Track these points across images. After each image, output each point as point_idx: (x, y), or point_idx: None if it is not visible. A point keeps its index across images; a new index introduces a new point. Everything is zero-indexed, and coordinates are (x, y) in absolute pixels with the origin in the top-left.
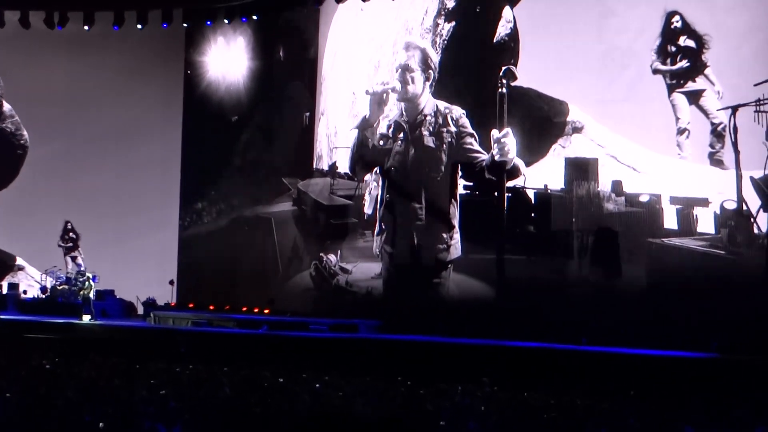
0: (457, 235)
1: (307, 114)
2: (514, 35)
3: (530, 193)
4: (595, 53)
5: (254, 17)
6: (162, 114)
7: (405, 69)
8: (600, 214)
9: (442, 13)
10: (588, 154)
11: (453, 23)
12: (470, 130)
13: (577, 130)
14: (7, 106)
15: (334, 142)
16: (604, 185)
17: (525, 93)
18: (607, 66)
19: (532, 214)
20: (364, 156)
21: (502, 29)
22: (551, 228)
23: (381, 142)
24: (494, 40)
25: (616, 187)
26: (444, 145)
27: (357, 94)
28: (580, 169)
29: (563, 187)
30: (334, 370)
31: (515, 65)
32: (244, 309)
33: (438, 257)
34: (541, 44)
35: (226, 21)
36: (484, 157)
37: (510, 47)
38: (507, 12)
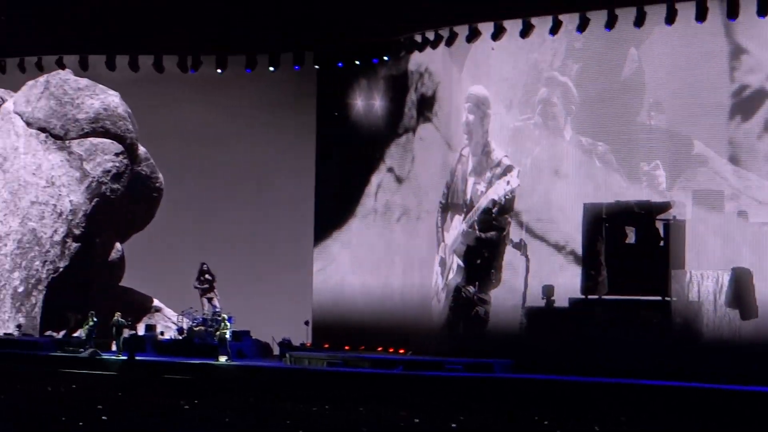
0: (604, 272)
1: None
2: (640, 73)
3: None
4: (724, 91)
5: (385, 58)
6: (294, 155)
7: (546, 103)
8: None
9: (571, 53)
10: (713, 187)
11: (580, 64)
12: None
13: (702, 164)
14: (142, 149)
15: (469, 179)
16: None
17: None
18: (738, 104)
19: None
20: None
21: (628, 68)
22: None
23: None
24: (621, 78)
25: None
26: None
27: (492, 133)
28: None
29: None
30: (470, 409)
31: (642, 101)
32: (380, 349)
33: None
34: (668, 81)
35: (357, 62)
36: None
37: (637, 84)
38: (633, 52)
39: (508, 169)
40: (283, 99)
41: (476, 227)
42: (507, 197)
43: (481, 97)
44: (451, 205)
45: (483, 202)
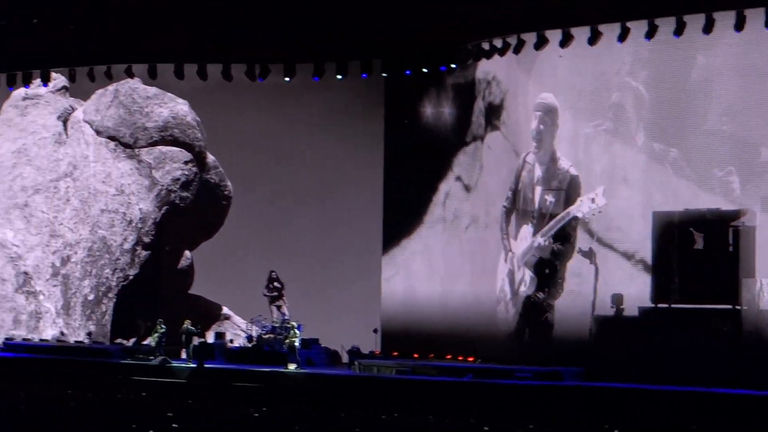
0: (675, 281)
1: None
2: (709, 80)
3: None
4: None
5: (453, 66)
6: (363, 163)
7: (618, 109)
8: None
9: (638, 60)
10: None
11: (648, 70)
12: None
13: None
14: (210, 158)
15: (536, 188)
16: None
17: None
18: None
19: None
20: None
21: (696, 75)
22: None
23: None
24: (690, 85)
25: None
26: None
27: (559, 141)
28: None
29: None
30: (540, 417)
31: (711, 107)
32: (449, 357)
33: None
34: (737, 88)
35: (424, 70)
36: None
37: (705, 91)
38: (701, 58)
39: (574, 184)
40: (350, 107)
41: (551, 240)
42: (593, 215)
43: (550, 106)
44: (516, 210)
45: (564, 218)
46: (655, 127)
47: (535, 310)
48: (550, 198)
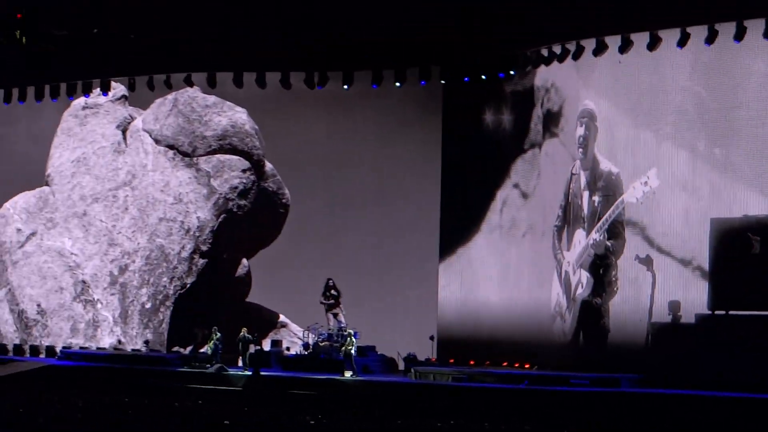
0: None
1: (575, 171)
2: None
3: None
4: None
5: (511, 73)
6: (420, 171)
7: (678, 114)
8: None
9: (698, 65)
10: None
11: (708, 75)
12: None
13: None
14: (268, 165)
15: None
16: None
17: None
18: None
19: None
20: None
21: (755, 81)
22: None
23: None
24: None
25: None
26: None
27: (616, 145)
28: None
29: None
30: (597, 424)
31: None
32: (505, 364)
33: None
34: None
35: (483, 77)
36: None
37: (763, 95)
38: (760, 63)
39: (616, 181)
40: (409, 114)
41: (605, 235)
42: (647, 197)
43: (592, 111)
44: (568, 223)
45: (619, 207)
46: (715, 132)
47: (591, 315)
48: (597, 198)
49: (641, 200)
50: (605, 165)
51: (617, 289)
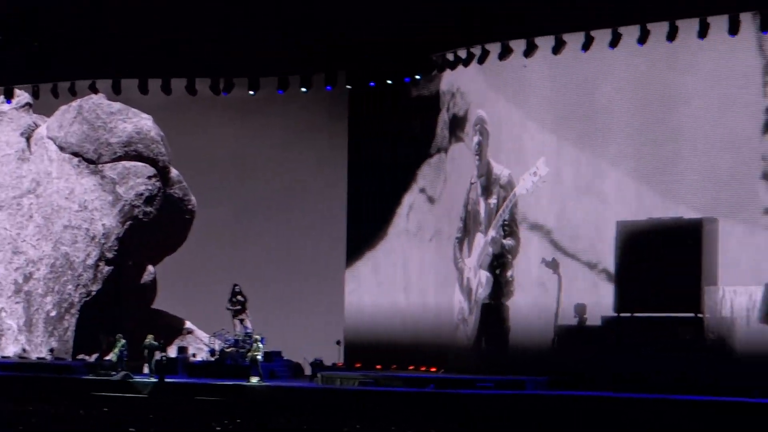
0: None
1: (473, 180)
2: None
3: None
4: (758, 106)
5: (417, 77)
6: (327, 176)
7: (584, 119)
8: None
9: (603, 70)
10: (746, 203)
11: (614, 80)
12: None
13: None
14: (174, 172)
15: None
16: None
17: None
18: None
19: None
20: None
21: (659, 83)
22: None
23: None
24: (659, 94)
25: None
26: None
27: (516, 149)
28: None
29: None
30: (503, 427)
31: (675, 116)
32: (411, 367)
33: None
34: (705, 96)
35: (389, 82)
36: None
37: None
38: (665, 67)
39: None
40: (315, 120)
41: (501, 232)
42: (537, 187)
43: (483, 117)
44: (468, 233)
45: (508, 203)
46: (620, 137)
47: (493, 316)
48: (492, 201)
49: (531, 190)
50: (497, 168)
51: (513, 289)
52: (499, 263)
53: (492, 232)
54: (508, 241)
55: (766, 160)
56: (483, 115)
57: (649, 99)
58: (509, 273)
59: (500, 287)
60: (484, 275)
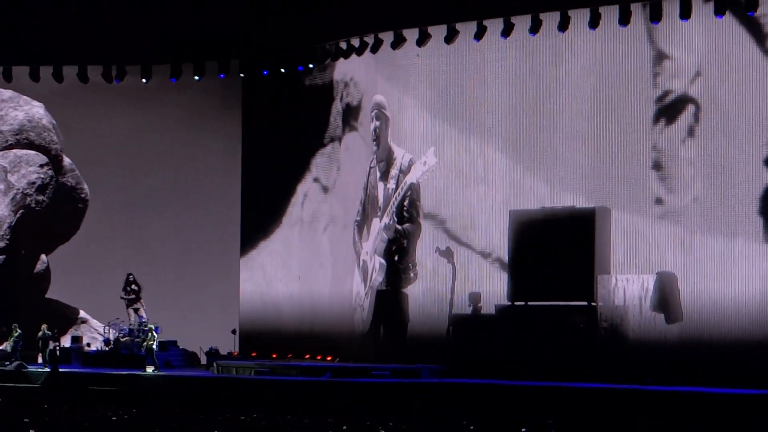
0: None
1: (372, 165)
2: (563, 78)
3: None
4: (648, 96)
5: (310, 66)
6: (221, 165)
7: (471, 108)
8: None
9: (496, 58)
10: (638, 192)
11: (504, 69)
12: None
13: (627, 169)
14: (67, 160)
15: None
16: None
17: None
18: (662, 110)
19: None
20: None
21: (551, 73)
22: None
23: None
24: (545, 83)
25: None
26: None
27: (410, 136)
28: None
29: None
30: (398, 415)
31: (566, 106)
32: (307, 356)
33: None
34: (593, 85)
35: (282, 70)
36: None
37: (559, 89)
38: (556, 56)
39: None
40: (208, 108)
41: (395, 218)
42: (425, 177)
43: (381, 102)
44: (367, 217)
45: (401, 191)
46: (512, 126)
47: (389, 303)
48: (391, 185)
49: (420, 179)
50: (398, 153)
51: (414, 276)
52: (395, 249)
53: (386, 219)
54: (406, 226)
55: (657, 150)
56: (381, 100)
57: (540, 89)
58: (408, 260)
59: (397, 274)
60: (378, 261)
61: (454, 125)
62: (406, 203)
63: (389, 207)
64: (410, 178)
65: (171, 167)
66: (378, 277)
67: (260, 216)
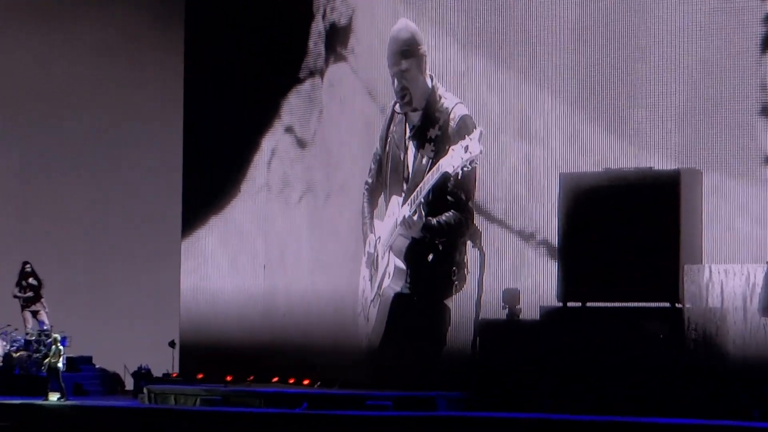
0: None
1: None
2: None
3: None
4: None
5: None
6: (157, 109)
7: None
8: None
9: None
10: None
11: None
12: None
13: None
14: None
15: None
16: None
17: None
18: None
19: None
20: None
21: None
22: None
23: None
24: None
25: None
26: None
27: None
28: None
29: None
30: None
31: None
32: (275, 379)
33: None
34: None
35: None
36: None
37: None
38: None
39: (463, 127)
40: (141, 32)
41: (423, 211)
42: (465, 169)
43: (409, 37)
44: (384, 184)
45: (431, 177)
46: (569, 68)
47: (412, 315)
48: (428, 153)
49: (458, 171)
50: (449, 101)
51: (460, 283)
52: (427, 249)
53: (407, 211)
54: (446, 218)
55: (767, 89)
56: (409, 33)
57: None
58: (448, 262)
59: (430, 280)
60: (395, 264)
61: (487, 61)
62: (450, 185)
63: (415, 194)
64: (445, 164)
65: (89, 113)
66: (394, 285)
67: (210, 181)
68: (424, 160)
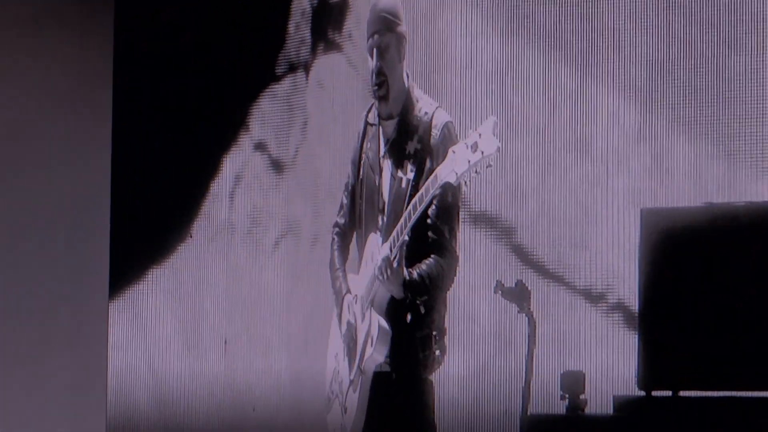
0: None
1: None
2: None
3: None
4: None
5: None
6: (81, 124)
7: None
8: None
9: None
10: None
11: None
12: None
13: None
14: None
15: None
16: None
17: None
18: None
19: None
20: None
21: None
22: None
23: None
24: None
25: None
26: None
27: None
28: None
29: None
30: None
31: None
32: None
33: None
34: None
35: None
36: None
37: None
38: None
39: (447, 137)
40: (59, 15)
41: (405, 252)
42: (475, 174)
43: (390, 5)
44: (359, 221)
45: (424, 197)
46: (650, 66)
47: (393, 397)
48: (409, 171)
49: (464, 177)
50: (427, 105)
51: (440, 353)
52: (408, 303)
53: (386, 249)
54: (425, 268)
55: None
56: (385, 7)
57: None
58: (427, 325)
59: (413, 348)
60: (378, 322)
61: (519, 47)
62: (431, 214)
63: (399, 226)
64: (444, 173)
65: None
66: (377, 354)
67: (149, 219)
68: (404, 183)
